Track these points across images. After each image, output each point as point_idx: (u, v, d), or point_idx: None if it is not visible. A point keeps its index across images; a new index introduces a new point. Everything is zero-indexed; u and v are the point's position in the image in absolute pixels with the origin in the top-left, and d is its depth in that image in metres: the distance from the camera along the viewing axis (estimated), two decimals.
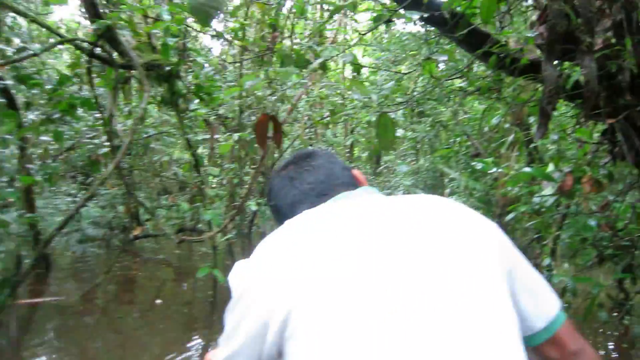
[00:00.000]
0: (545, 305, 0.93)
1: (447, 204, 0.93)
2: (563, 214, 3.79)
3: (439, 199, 0.94)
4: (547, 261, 3.24)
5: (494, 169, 2.45)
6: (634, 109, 2.46)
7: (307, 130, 10.09)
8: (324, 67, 2.31)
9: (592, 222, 2.88)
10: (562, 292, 3.54)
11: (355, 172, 1.11)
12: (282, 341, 0.76)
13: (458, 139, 7.11)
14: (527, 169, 2.65)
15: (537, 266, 5.42)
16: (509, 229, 6.07)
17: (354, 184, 1.06)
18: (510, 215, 3.10)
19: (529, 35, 2.10)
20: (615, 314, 3.58)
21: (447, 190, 8.56)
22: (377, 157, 13.66)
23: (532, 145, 4.33)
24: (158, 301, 5.46)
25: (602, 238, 3.18)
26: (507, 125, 5.87)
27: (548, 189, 2.75)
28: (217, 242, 4.90)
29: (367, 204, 0.91)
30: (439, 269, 0.79)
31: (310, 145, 11.44)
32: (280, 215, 1.06)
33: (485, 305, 0.78)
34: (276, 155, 8.29)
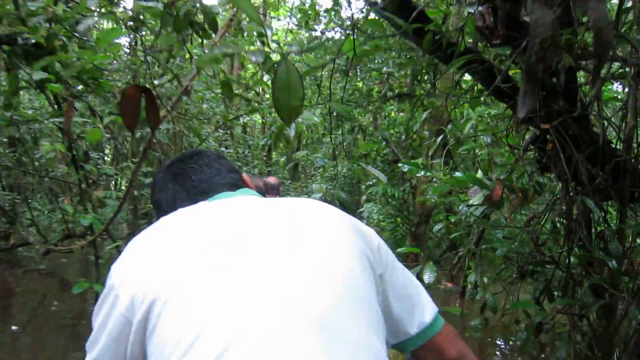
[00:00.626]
0: (418, 311, 0.95)
1: (323, 207, 0.93)
2: (482, 227, 3.61)
3: (317, 202, 0.94)
4: (472, 277, 3.00)
5: (421, 173, 2.13)
6: (567, 115, 2.25)
7: (220, 131, 9.51)
8: (213, 26, 1.83)
9: (500, 235, 2.69)
10: (482, 308, 3.35)
11: (245, 176, 1.11)
12: (144, 340, 0.75)
13: (376, 145, 6.92)
14: (459, 174, 2.37)
15: (453, 277, 5.30)
16: (424, 239, 5.94)
17: (237, 185, 1.06)
18: (438, 226, 2.82)
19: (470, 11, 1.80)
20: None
21: (364, 197, 8.37)
22: (294, 165, 13.30)
23: (461, 149, 4.10)
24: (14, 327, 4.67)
25: (523, 253, 3.00)
26: (427, 133, 5.73)
27: (476, 198, 2.50)
28: (100, 251, 4.25)
29: (239, 204, 0.92)
30: (295, 264, 0.78)
31: (225, 147, 10.87)
32: (161, 211, 1.04)
33: (337, 299, 0.76)
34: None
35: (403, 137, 6.48)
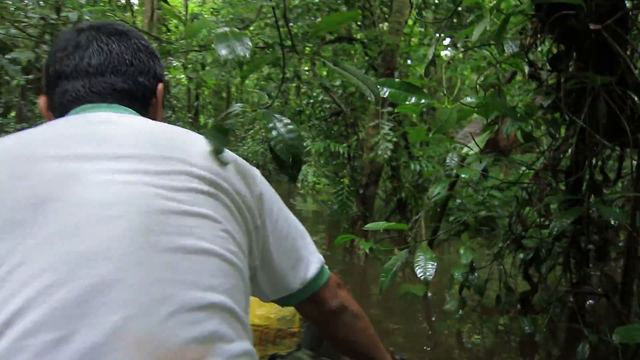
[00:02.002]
0: (302, 266, 0.91)
1: (199, 139, 0.83)
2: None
3: (191, 133, 0.84)
4: (466, 257, 2.30)
5: (413, 99, 1.33)
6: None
7: None
8: None
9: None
10: (460, 288, 2.71)
11: (160, 87, 0.94)
12: None
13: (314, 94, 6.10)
14: (470, 99, 1.60)
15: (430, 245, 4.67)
16: (373, 202, 5.27)
17: (131, 97, 0.88)
18: (437, 190, 2.03)
19: None
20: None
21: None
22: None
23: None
24: None
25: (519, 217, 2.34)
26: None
27: (480, 139, 1.78)
28: None
29: (100, 120, 0.79)
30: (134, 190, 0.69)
31: None
32: (47, 78, 0.89)
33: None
34: None
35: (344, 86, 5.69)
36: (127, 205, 0.67)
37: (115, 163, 0.71)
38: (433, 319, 3.34)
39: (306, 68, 6.77)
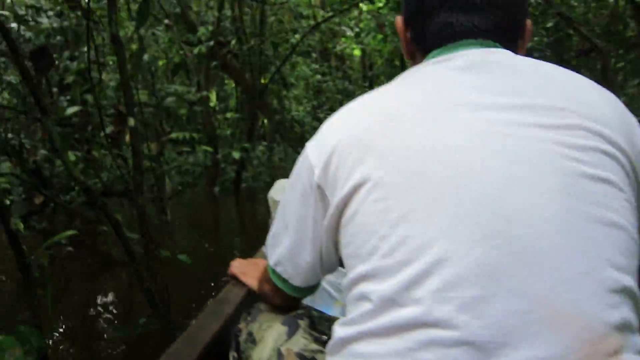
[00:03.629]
0: None
1: (588, 84, 0.72)
2: None
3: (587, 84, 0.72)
4: None
5: None
6: None
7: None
8: None
9: None
10: None
11: (529, 25, 0.82)
12: (338, 225, 0.72)
13: None
14: None
15: None
16: None
17: (504, 33, 0.77)
18: None
19: None
20: None
21: None
22: None
23: None
24: None
25: None
26: None
27: None
28: None
29: (480, 66, 0.71)
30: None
31: (322, 74, 10.29)
32: (417, 1, 0.80)
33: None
34: None
35: None
36: (537, 163, 0.62)
37: (511, 114, 0.66)
38: None
39: None
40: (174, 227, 5.62)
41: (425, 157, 0.64)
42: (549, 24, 5.16)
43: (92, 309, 3.48)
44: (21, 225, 1.68)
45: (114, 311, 3.42)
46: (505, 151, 0.62)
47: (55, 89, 4.10)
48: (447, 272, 0.58)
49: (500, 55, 0.74)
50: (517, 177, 0.61)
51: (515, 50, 0.78)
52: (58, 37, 3.96)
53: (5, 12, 3.62)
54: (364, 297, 0.64)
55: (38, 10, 3.30)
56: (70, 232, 1.99)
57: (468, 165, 0.62)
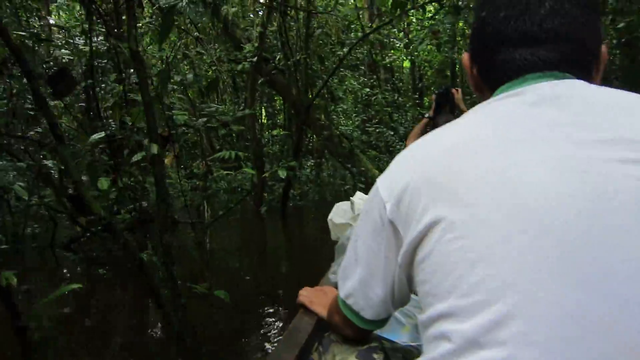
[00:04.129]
0: None
1: None
2: None
3: None
4: None
5: None
6: None
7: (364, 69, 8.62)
8: None
9: None
10: None
11: (604, 50, 0.77)
12: (412, 262, 0.71)
13: None
14: None
15: None
16: None
17: (573, 63, 0.73)
18: None
19: None
20: None
21: None
22: None
23: None
24: None
25: None
26: None
27: None
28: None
29: (554, 101, 0.68)
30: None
31: (370, 87, 10.01)
32: (479, 39, 0.79)
33: None
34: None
35: None
36: (623, 201, 0.58)
37: (587, 149, 0.62)
38: None
39: None
40: (217, 252, 5.44)
41: (501, 195, 0.62)
42: (621, 24, 4.68)
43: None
44: (14, 280, 1.48)
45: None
46: (585, 188, 0.59)
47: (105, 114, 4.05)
48: (531, 314, 0.57)
49: (572, 87, 0.70)
50: (599, 215, 0.58)
51: (589, 78, 0.73)
52: (99, 60, 3.90)
53: (43, 35, 3.60)
54: (443, 337, 0.63)
55: (69, 31, 3.24)
56: (74, 286, 1.76)
57: (546, 202, 0.60)
